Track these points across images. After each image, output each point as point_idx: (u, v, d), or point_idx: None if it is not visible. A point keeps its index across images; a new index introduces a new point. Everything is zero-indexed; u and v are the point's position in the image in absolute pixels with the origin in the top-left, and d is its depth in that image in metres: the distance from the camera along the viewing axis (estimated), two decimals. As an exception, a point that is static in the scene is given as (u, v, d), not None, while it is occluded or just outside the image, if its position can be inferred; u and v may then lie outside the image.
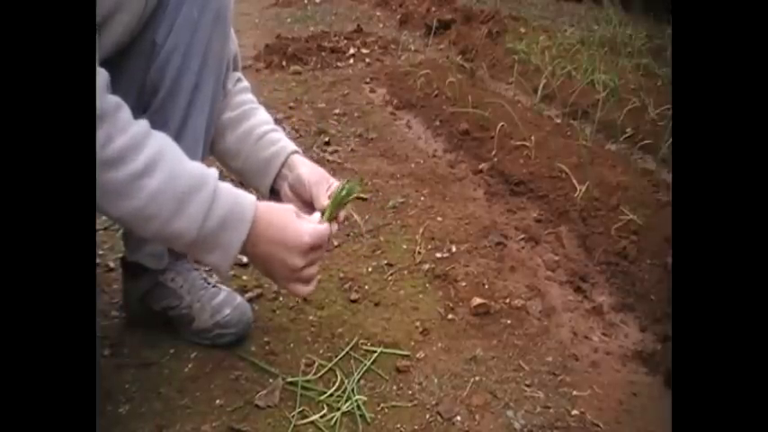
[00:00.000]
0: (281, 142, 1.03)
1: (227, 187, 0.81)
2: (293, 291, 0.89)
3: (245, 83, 1.09)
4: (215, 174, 0.81)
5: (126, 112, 0.76)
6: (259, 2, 4.94)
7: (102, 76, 0.74)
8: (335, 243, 1.44)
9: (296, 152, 1.03)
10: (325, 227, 0.87)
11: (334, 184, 0.98)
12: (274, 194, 1.03)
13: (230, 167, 1.07)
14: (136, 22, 0.87)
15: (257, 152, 1.02)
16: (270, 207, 0.85)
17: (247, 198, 0.82)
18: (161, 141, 0.78)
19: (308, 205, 0.98)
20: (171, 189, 0.76)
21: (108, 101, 0.74)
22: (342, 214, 0.94)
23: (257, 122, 1.04)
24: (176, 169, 0.78)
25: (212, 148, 1.06)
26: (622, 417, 0.98)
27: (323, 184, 0.97)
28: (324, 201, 0.94)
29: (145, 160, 0.75)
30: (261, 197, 0.96)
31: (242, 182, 1.06)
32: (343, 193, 0.92)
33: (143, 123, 0.78)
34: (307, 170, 0.99)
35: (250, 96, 1.08)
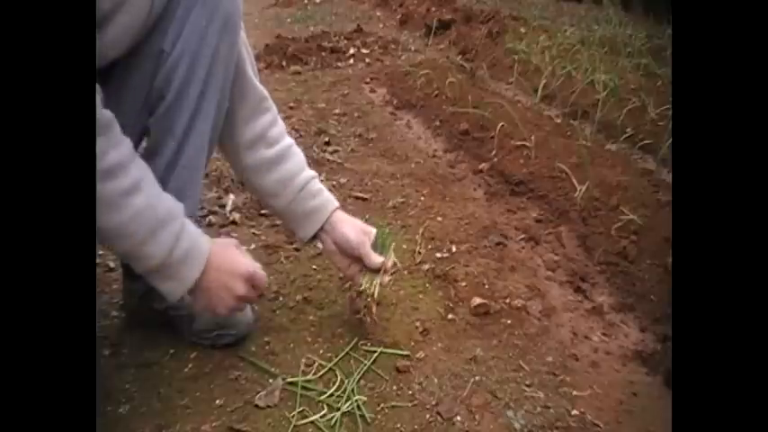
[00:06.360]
0: (323, 195, 1.12)
1: (189, 224, 0.88)
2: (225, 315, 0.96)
3: (274, 110, 1.10)
4: (182, 209, 0.88)
5: (117, 128, 0.81)
6: (259, 2, 4.94)
7: (97, 91, 0.76)
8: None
9: (337, 208, 1.11)
10: (264, 273, 0.96)
11: (372, 232, 1.10)
12: (312, 240, 1.13)
13: (269, 205, 1.15)
14: (139, 26, 0.87)
15: (299, 203, 1.09)
16: (220, 245, 0.93)
17: (204, 239, 0.90)
18: (143, 166, 0.84)
19: (351, 258, 1.09)
20: (150, 213, 0.82)
21: (103, 115, 0.78)
22: (389, 263, 1.09)
23: (296, 168, 1.10)
24: (155, 196, 0.84)
25: (251, 183, 1.11)
26: (622, 417, 0.98)
27: (367, 243, 1.07)
28: (375, 258, 1.06)
29: (131, 180, 0.80)
30: (299, 241, 1.17)
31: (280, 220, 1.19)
32: (381, 242, 1.09)
33: (129, 144, 0.82)
34: (350, 230, 1.09)
35: (281, 127, 1.11)
